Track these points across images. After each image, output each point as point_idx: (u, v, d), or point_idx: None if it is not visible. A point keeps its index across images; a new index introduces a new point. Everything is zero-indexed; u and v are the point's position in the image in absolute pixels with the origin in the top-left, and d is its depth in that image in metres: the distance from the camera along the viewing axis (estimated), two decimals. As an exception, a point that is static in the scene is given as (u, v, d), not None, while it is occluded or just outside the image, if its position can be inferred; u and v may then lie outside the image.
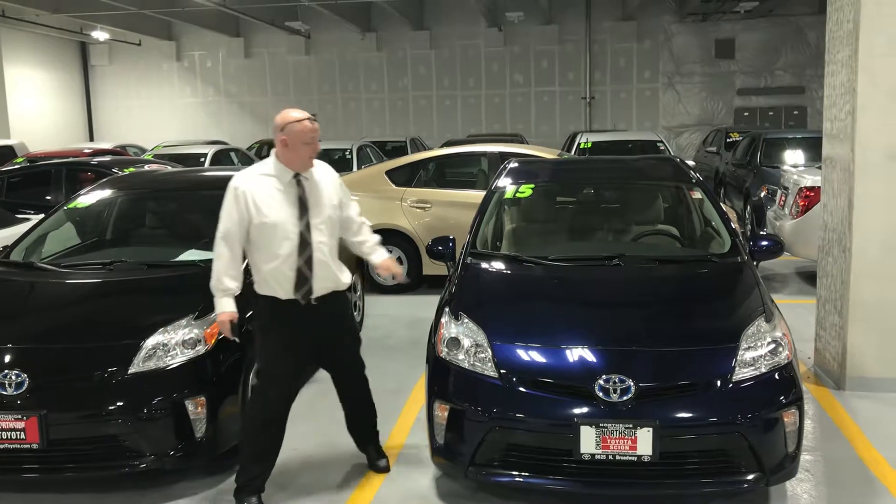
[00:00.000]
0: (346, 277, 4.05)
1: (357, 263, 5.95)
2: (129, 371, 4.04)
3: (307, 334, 3.96)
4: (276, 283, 3.85)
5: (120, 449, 4.01)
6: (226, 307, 3.85)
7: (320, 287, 3.88)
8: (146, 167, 9.62)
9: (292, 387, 4.03)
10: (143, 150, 18.12)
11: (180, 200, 6.04)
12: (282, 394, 3.96)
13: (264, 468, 3.97)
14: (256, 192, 3.82)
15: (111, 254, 5.27)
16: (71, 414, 3.98)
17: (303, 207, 3.84)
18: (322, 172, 4.01)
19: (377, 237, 4.26)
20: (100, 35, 23.01)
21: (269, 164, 3.91)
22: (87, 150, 14.47)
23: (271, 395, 3.94)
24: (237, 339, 3.97)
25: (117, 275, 4.87)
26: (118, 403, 3.97)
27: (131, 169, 9.15)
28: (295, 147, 3.82)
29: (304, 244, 3.82)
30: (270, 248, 3.82)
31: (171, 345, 4.16)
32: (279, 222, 3.80)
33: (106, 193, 5.87)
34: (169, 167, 9.41)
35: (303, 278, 3.83)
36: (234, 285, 3.86)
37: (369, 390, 4.32)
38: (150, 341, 4.14)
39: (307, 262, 3.83)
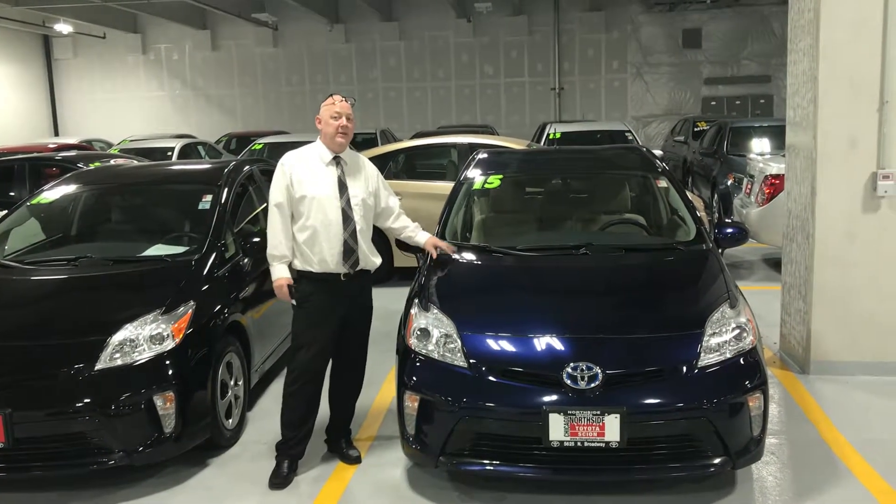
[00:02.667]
0: (377, 260, 4.31)
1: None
2: (97, 367, 4.01)
3: (337, 308, 4.16)
4: (316, 255, 4.09)
5: (88, 446, 3.98)
6: (282, 273, 4.16)
7: (362, 260, 4.17)
8: (112, 162, 9.50)
9: (323, 356, 4.19)
10: (110, 145, 17.89)
11: (146, 195, 5.97)
12: (312, 362, 4.14)
13: (297, 434, 4.18)
14: (300, 168, 4.15)
15: (76, 249, 5.19)
16: (37, 412, 3.93)
17: (342, 186, 4.13)
18: (363, 163, 4.37)
19: (416, 223, 4.60)
20: (63, 28, 22.61)
21: (315, 145, 4.23)
22: (51, 145, 14.26)
23: (303, 364, 4.14)
24: (294, 302, 4.18)
25: (83, 271, 4.80)
26: (85, 400, 3.93)
27: (97, 164, 9.04)
28: (325, 122, 4.15)
29: (348, 219, 4.11)
30: (313, 220, 4.08)
31: (139, 340, 4.13)
32: (320, 197, 4.09)
33: (70, 188, 5.79)
34: (135, 162, 9.30)
35: (349, 249, 4.11)
36: (289, 252, 4.16)
37: (363, 375, 4.45)
38: (117, 337, 4.11)
39: (352, 236, 4.11)
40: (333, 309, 4.14)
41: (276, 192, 4.15)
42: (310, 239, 4.10)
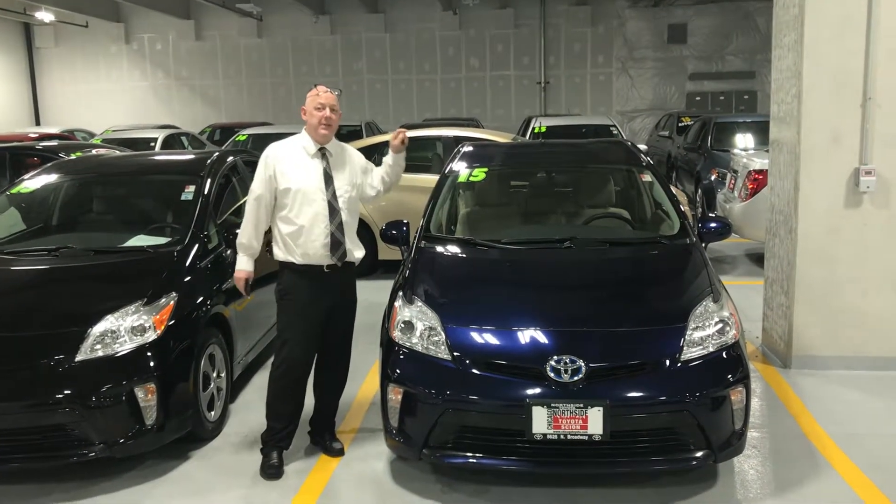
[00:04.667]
0: (360, 252, 4.27)
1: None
2: (77, 359, 3.97)
3: (321, 300, 4.12)
4: (300, 247, 4.05)
5: (68, 438, 3.94)
6: (246, 265, 4.18)
7: (348, 253, 4.13)
8: (94, 151, 9.40)
9: (308, 349, 4.16)
10: (92, 135, 17.72)
11: (129, 185, 5.92)
12: (298, 355, 4.12)
13: (285, 425, 4.18)
14: (284, 159, 4.10)
15: (57, 240, 5.13)
16: (16, 403, 3.89)
17: (328, 179, 4.10)
18: (349, 155, 4.31)
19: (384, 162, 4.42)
20: (44, 16, 22.34)
21: (300, 136, 4.18)
22: (32, 135, 14.12)
23: (289, 356, 4.12)
24: (249, 296, 4.28)
25: (64, 261, 4.75)
26: (66, 392, 3.89)
27: (78, 153, 8.95)
28: (309, 113, 4.11)
29: (334, 211, 4.07)
30: (297, 213, 4.05)
31: (120, 331, 4.09)
32: (305, 189, 4.05)
33: (51, 178, 5.72)
34: (117, 151, 9.22)
35: (337, 242, 4.07)
36: (257, 245, 4.19)
37: (348, 368, 4.42)
38: (98, 328, 4.07)
39: (339, 228, 4.08)
40: (317, 301, 4.12)
41: (257, 184, 4.12)
42: (295, 232, 4.06)
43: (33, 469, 4.10)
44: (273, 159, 4.11)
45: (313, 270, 4.09)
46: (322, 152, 4.14)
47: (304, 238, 4.05)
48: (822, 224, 5.32)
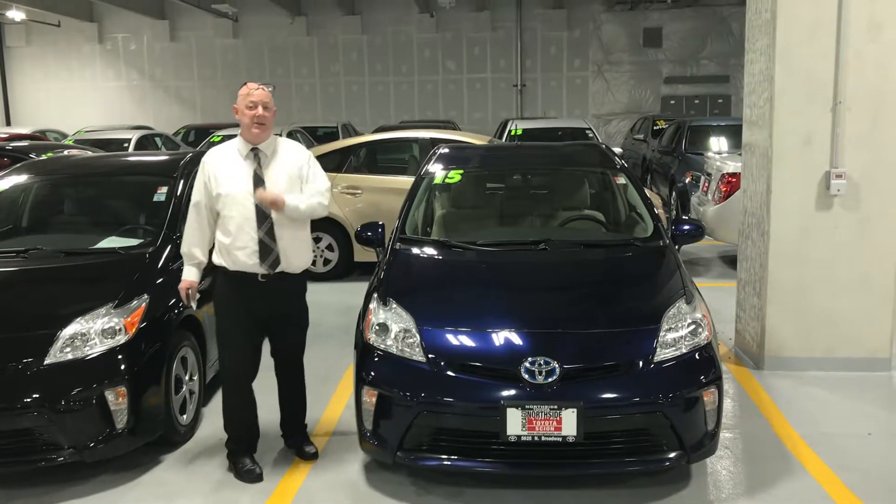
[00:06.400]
0: (301, 261, 4.08)
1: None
2: (46, 362, 3.92)
3: (254, 310, 3.99)
4: (230, 253, 3.91)
5: (36, 442, 3.89)
6: (188, 275, 4.03)
7: (283, 261, 3.94)
8: (65, 152, 9.29)
9: (246, 356, 4.06)
10: (65, 136, 17.52)
11: (100, 186, 5.84)
12: (235, 363, 4.05)
13: (244, 431, 4.15)
14: (218, 164, 3.96)
15: (27, 241, 5.06)
16: (-17, 407, 3.82)
17: (257, 181, 3.90)
18: (289, 151, 4.08)
19: (308, 197, 3.97)
20: (15, 15, 22.06)
21: (237, 139, 4.03)
22: (3, 135, 13.93)
23: (228, 364, 4.08)
24: (193, 306, 4.15)
25: (33, 263, 4.69)
26: (34, 395, 3.83)
27: (49, 154, 8.83)
28: (241, 112, 3.93)
29: (262, 216, 3.87)
30: (228, 218, 3.90)
31: (90, 334, 4.04)
32: (234, 193, 3.89)
33: (21, 179, 5.64)
34: (89, 152, 9.12)
35: (266, 249, 3.89)
36: (201, 255, 4.02)
37: (303, 377, 4.34)
38: (68, 331, 4.02)
39: (269, 234, 3.88)
40: (249, 310, 3.97)
41: (195, 191, 4.01)
42: (227, 237, 3.91)
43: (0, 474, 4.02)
44: (209, 164, 3.97)
45: (246, 278, 3.92)
46: (255, 153, 3.96)
47: (234, 244, 3.89)
48: (794, 226, 5.37)
